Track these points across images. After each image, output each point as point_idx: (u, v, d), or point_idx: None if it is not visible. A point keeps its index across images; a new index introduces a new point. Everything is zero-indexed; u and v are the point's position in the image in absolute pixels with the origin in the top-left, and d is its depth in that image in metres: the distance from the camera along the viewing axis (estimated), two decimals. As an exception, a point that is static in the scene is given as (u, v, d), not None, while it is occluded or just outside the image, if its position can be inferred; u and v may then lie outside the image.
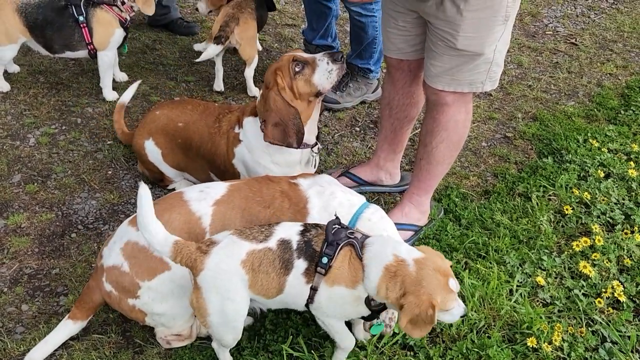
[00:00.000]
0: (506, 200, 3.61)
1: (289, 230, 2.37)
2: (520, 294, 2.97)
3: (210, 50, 4.19)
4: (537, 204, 3.55)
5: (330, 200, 2.64)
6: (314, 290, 2.32)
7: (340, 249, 2.29)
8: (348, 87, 4.44)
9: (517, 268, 3.14)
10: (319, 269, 2.28)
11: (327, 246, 2.29)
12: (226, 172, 3.23)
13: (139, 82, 3.87)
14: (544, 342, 2.70)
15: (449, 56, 2.90)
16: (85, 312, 2.64)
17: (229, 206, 2.61)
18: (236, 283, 2.30)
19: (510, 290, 3.00)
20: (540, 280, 3.05)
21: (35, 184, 3.56)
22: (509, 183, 3.77)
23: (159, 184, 3.61)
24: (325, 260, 2.28)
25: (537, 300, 3.00)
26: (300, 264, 2.31)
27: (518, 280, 3.05)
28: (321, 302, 2.34)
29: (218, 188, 2.66)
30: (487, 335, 2.75)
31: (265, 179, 2.76)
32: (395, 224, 3.31)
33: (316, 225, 2.41)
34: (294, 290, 2.35)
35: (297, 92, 2.97)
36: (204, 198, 2.60)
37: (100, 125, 4.05)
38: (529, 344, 2.68)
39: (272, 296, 2.35)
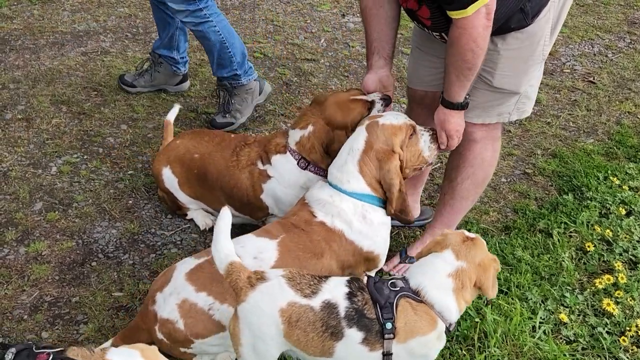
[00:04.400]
0: (527, 236, 3.59)
1: (335, 292, 2.31)
2: (544, 331, 2.94)
3: None
4: (558, 240, 3.52)
5: (347, 214, 2.72)
6: (387, 355, 2.28)
7: (397, 306, 2.27)
8: (234, 105, 4.38)
9: (540, 304, 3.10)
10: (386, 336, 2.25)
11: (381, 310, 2.26)
12: (250, 204, 3.24)
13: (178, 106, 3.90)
14: (569, 380, 2.67)
15: (484, 91, 2.92)
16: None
17: None
18: (270, 327, 2.26)
19: (533, 327, 2.97)
20: (564, 317, 3.02)
21: (57, 212, 3.58)
22: (529, 219, 3.75)
23: (177, 212, 3.62)
24: (389, 325, 2.25)
25: (561, 338, 2.97)
26: (354, 334, 2.26)
27: (541, 317, 3.02)
28: None
29: (271, 252, 2.63)
30: (510, 372, 2.72)
31: (304, 224, 2.76)
32: (417, 258, 3.34)
33: (358, 285, 2.35)
34: (349, 355, 2.31)
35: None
36: (259, 266, 2.55)
37: (121, 155, 4.08)
38: (553, 381, 2.65)
39: (315, 355, 2.31)
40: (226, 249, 2.29)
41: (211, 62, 4.36)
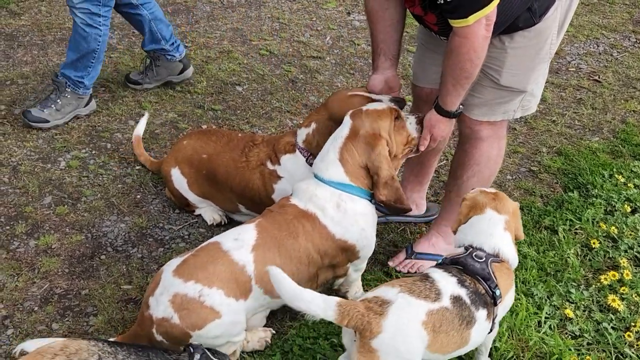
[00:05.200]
0: (532, 233, 3.61)
1: (451, 285, 2.36)
2: (549, 326, 2.97)
3: None
4: (564, 237, 3.55)
5: (320, 200, 2.77)
6: (494, 319, 2.45)
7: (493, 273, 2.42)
8: (56, 103, 4.24)
9: (545, 300, 3.13)
10: (498, 302, 2.41)
11: (486, 281, 2.39)
12: (262, 204, 3.24)
13: (147, 114, 3.95)
14: (574, 374, 2.69)
15: (490, 89, 2.94)
16: None
17: (266, 248, 2.67)
18: (417, 344, 2.24)
19: (539, 322, 2.99)
20: (569, 312, 3.04)
21: (66, 206, 3.61)
22: (534, 216, 3.77)
23: (186, 209, 3.65)
24: (498, 292, 2.41)
25: (566, 333, 2.99)
26: (481, 314, 2.36)
27: (546, 312, 3.04)
28: (500, 318, 2.52)
29: (249, 232, 2.71)
30: (516, 366, 2.74)
31: (278, 208, 2.85)
32: (422, 254, 3.37)
33: (457, 270, 2.44)
34: (480, 337, 2.44)
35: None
36: (241, 246, 2.65)
37: (129, 150, 4.10)
38: (559, 375, 2.67)
39: (452, 351, 2.35)
40: (316, 296, 2.23)
41: (68, 57, 4.25)
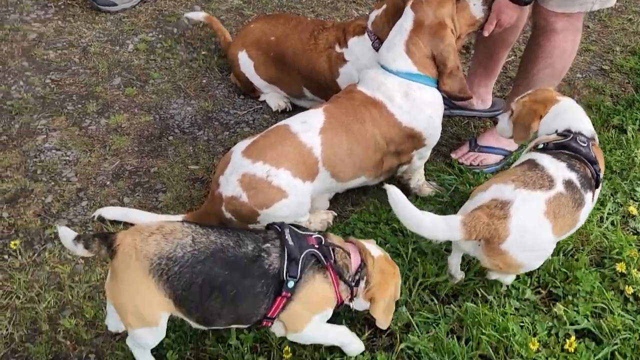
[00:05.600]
0: (600, 131, 3.54)
1: (561, 170, 2.38)
2: (611, 222, 2.95)
3: None
4: (632, 136, 3.47)
5: (389, 89, 2.77)
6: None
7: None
8: None
9: (609, 197, 3.10)
10: (599, 185, 2.48)
11: (593, 165, 2.44)
12: (328, 89, 3.25)
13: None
14: (634, 268, 2.69)
15: None
16: None
17: (333, 132, 2.70)
18: (546, 232, 2.31)
19: (601, 218, 2.98)
20: (632, 210, 3.01)
21: (134, 87, 3.68)
22: (603, 115, 3.68)
23: (250, 94, 3.69)
24: (601, 175, 2.48)
25: (628, 229, 2.98)
26: (588, 197, 2.42)
27: (609, 209, 3.02)
28: (595, 200, 2.56)
29: (317, 116, 2.74)
30: (575, 258, 2.75)
31: (345, 94, 2.86)
32: (486, 147, 3.35)
33: (566, 155, 2.44)
34: (584, 218, 2.48)
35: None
36: (309, 129, 2.68)
37: (195, 35, 4.12)
38: (618, 268, 2.68)
39: (563, 234, 2.43)
40: (438, 220, 2.21)
41: None
